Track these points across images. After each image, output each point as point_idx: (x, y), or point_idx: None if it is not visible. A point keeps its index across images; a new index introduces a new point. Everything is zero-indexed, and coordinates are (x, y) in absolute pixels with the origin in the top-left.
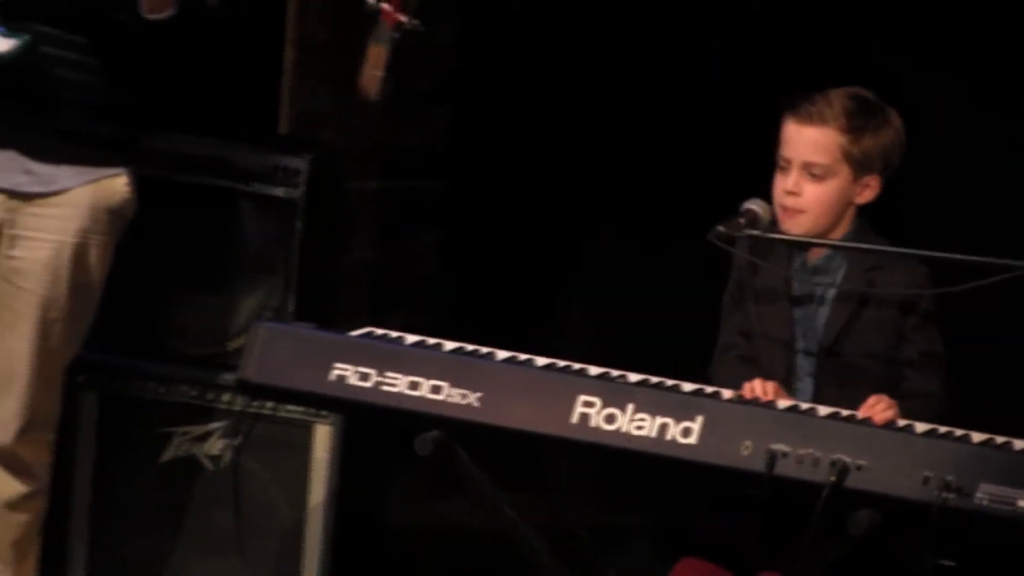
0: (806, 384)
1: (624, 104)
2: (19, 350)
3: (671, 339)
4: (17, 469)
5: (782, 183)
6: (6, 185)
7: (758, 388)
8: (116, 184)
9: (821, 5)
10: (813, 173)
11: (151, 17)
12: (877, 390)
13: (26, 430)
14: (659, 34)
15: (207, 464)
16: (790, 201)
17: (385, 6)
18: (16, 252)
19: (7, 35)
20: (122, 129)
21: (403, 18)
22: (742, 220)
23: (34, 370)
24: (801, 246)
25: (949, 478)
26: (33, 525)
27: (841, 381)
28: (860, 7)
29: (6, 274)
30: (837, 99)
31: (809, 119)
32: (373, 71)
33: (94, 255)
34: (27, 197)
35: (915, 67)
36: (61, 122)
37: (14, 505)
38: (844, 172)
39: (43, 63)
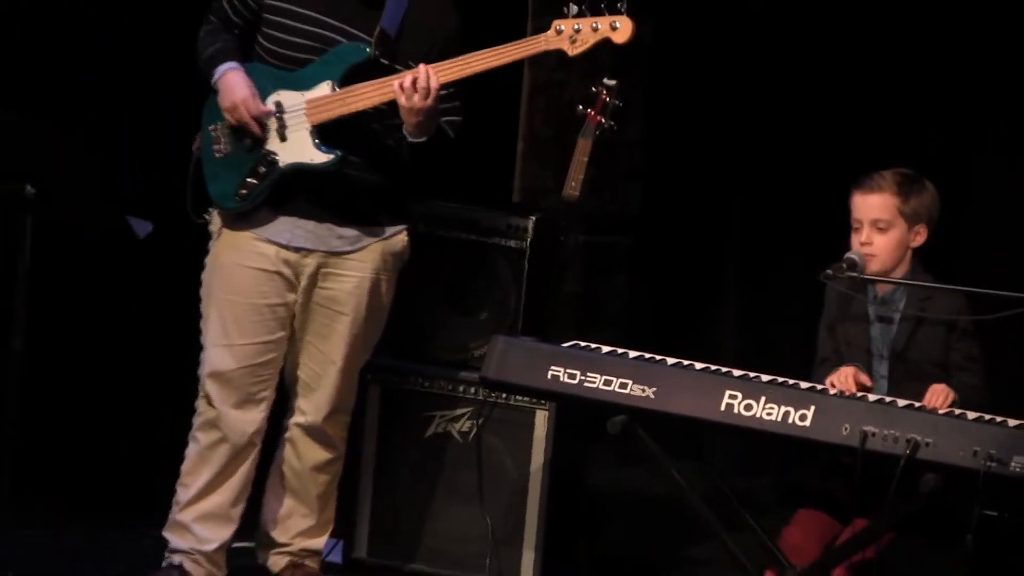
0: (881, 383)
1: (752, 181)
2: (331, 355)
3: (789, 349)
4: (323, 441)
5: (857, 238)
6: (326, 248)
7: (838, 378)
8: (398, 238)
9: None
10: (879, 227)
11: (416, 140)
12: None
13: (331, 414)
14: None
15: (458, 438)
16: (865, 250)
17: (590, 112)
18: (329, 285)
19: (325, 151)
20: (399, 202)
21: (602, 120)
22: (844, 265)
23: (340, 370)
24: (874, 283)
25: (992, 451)
26: (332, 482)
27: (908, 379)
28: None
29: (323, 302)
30: (888, 174)
31: (871, 189)
32: (581, 157)
33: (383, 286)
34: (338, 254)
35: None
36: (360, 202)
37: (319, 468)
38: (900, 224)
39: (345, 168)
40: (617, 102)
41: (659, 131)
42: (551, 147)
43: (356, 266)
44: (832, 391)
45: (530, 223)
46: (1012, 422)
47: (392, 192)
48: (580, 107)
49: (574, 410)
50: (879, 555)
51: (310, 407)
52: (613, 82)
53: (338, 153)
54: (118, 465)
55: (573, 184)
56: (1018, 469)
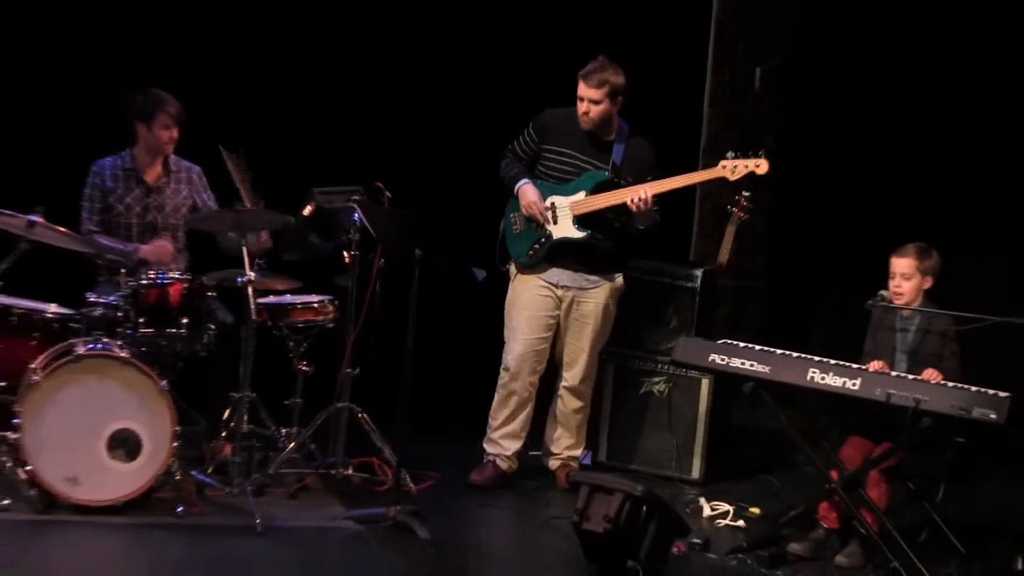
0: (903, 368)
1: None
2: (582, 346)
3: (853, 347)
4: (578, 396)
5: (892, 283)
6: (579, 286)
7: (873, 365)
8: (619, 280)
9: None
10: (905, 278)
11: (643, 226)
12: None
13: (583, 380)
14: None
15: (656, 394)
16: (896, 291)
17: (735, 210)
18: (579, 308)
19: (580, 230)
20: (621, 259)
21: (742, 215)
22: (878, 299)
23: (588, 355)
24: (900, 309)
25: (962, 405)
26: (584, 419)
27: (917, 365)
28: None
29: (577, 316)
30: (911, 246)
31: (902, 255)
32: (729, 237)
33: (611, 308)
34: (585, 289)
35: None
36: (598, 260)
37: (577, 411)
38: (917, 276)
39: (591, 240)
40: (751, 205)
41: (780, 222)
42: (713, 230)
43: (596, 296)
44: (872, 370)
45: (700, 273)
46: (973, 388)
47: (617, 253)
48: (729, 207)
49: (724, 379)
50: (898, 464)
51: (571, 376)
52: (748, 194)
53: (588, 231)
54: (463, 406)
55: (724, 252)
56: (976, 415)
